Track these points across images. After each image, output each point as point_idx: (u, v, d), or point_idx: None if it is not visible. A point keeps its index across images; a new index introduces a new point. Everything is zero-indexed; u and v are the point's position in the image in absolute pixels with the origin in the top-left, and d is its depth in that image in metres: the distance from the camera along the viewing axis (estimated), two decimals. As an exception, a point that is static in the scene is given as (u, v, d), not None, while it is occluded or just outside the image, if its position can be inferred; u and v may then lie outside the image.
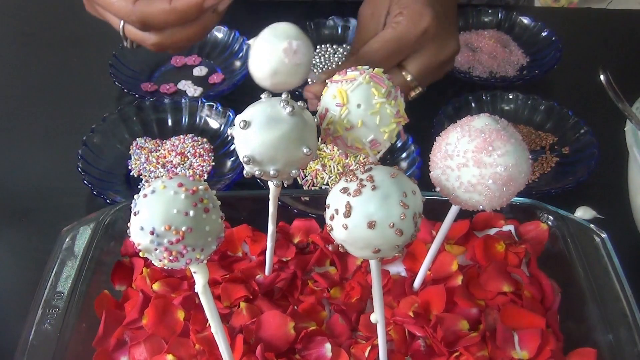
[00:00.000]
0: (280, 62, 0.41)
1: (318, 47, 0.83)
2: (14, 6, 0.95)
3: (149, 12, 0.49)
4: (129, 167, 0.68)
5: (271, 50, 0.41)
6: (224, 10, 0.54)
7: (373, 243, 0.34)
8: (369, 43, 0.55)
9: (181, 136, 0.70)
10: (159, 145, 0.69)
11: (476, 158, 0.37)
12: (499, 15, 0.86)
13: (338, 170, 0.65)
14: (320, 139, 0.39)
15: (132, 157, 0.68)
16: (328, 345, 0.46)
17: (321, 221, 0.54)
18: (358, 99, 0.37)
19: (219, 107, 0.71)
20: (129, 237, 0.34)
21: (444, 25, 0.57)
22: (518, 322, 0.47)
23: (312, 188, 0.65)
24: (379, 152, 0.40)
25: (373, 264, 0.39)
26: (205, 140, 0.70)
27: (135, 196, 0.34)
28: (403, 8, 0.56)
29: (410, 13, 0.55)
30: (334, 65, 0.80)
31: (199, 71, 0.81)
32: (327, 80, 0.40)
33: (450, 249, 0.52)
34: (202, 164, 0.67)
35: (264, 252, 0.50)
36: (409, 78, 0.56)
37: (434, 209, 0.45)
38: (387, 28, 0.56)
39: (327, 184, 0.65)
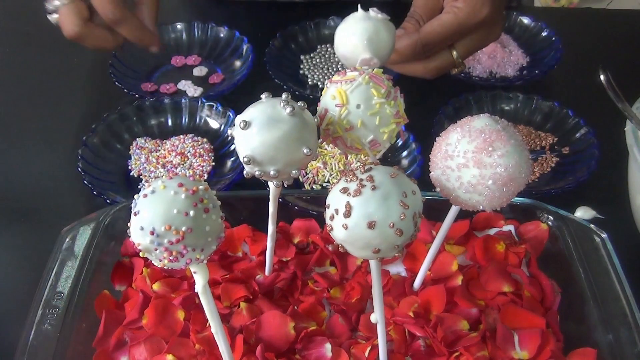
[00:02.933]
0: (356, 61, 0.43)
1: (318, 47, 0.83)
2: (14, 6, 0.95)
3: None
4: (129, 167, 0.68)
5: (353, 50, 0.42)
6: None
7: (373, 243, 0.34)
8: (430, 24, 0.58)
9: (181, 136, 0.70)
10: (159, 145, 0.69)
11: (476, 158, 0.37)
12: (499, 15, 0.86)
13: (339, 168, 0.65)
14: (320, 139, 0.39)
15: (132, 157, 0.68)
16: (328, 346, 0.46)
17: (321, 221, 0.54)
18: (357, 99, 0.37)
19: (219, 107, 0.71)
20: (129, 237, 0.34)
21: (496, 14, 0.59)
22: (518, 322, 0.47)
23: (313, 185, 0.65)
24: (378, 153, 0.40)
25: (373, 264, 0.39)
26: (205, 140, 0.70)
27: (135, 196, 0.34)
28: None
29: (472, 1, 0.58)
30: (334, 66, 0.80)
31: (199, 71, 0.81)
32: (326, 81, 0.40)
33: (450, 249, 0.52)
34: (202, 164, 0.67)
35: (264, 252, 0.50)
36: (455, 56, 0.60)
37: (434, 209, 0.45)
38: (448, 12, 0.58)
39: (328, 182, 0.65)
